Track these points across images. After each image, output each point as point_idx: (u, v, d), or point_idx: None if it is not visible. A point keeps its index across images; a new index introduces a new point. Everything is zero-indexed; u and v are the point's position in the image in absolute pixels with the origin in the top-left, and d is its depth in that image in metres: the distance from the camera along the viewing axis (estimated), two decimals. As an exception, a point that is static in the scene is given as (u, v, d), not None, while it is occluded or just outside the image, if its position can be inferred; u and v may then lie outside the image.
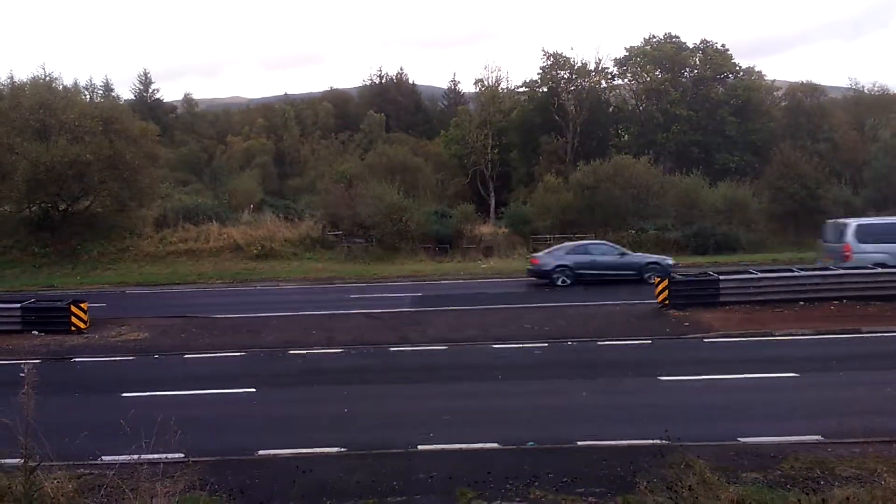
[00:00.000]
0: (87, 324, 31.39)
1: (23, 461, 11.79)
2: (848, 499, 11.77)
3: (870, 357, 24.34)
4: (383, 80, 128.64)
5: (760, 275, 33.78)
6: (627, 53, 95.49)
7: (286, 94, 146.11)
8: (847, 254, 36.56)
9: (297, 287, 45.13)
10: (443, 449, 16.44)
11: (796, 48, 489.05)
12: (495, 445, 16.59)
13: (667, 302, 32.20)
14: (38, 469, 12.17)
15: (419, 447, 16.63)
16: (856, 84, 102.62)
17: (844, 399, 19.50)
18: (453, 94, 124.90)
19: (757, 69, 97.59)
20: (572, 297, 36.36)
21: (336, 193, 63.55)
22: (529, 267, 43.84)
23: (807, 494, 12.44)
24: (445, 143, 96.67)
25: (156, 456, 12.77)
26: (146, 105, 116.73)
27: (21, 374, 11.92)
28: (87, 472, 14.37)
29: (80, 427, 15.02)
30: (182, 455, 14.30)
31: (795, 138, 79.52)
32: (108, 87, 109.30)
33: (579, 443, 16.47)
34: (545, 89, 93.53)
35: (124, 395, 21.56)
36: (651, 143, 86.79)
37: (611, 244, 45.03)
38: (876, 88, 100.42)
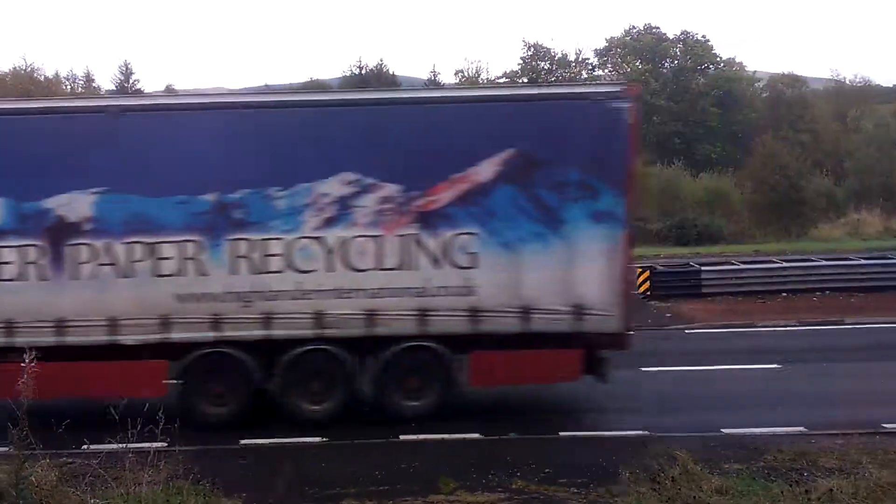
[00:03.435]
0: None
1: (10, 450, 11.71)
2: (831, 490, 11.80)
3: (853, 348, 24.43)
4: (363, 71, 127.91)
5: (743, 266, 33.89)
6: (608, 44, 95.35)
7: (266, 84, 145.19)
8: None
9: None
10: (424, 439, 16.46)
11: (777, 39, 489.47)
12: (477, 436, 16.61)
13: (648, 293, 32.21)
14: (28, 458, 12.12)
15: (401, 437, 16.65)
16: (837, 75, 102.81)
17: (828, 390, 19.56)
18: (434, 85, 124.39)
19: (738, 60, 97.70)
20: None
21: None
22: None
23: (790, 486, 12.48)
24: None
25: (140, 445, 12.71)
26: (127, 95, 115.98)
27: (22, 364, 11.87)
28: (71, 460, 14.29)
29: (64, 415, 14.96)
30: (166, 444, 14.25)
31: (777, 129, 79.44)
32: (89, 78, 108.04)
33: (561, 433, 16.52)
34: (525, 80, 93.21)
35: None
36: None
37: None
38: (858, 80, 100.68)
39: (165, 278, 16.92)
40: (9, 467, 11.63)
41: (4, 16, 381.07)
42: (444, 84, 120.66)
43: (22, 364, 11.49)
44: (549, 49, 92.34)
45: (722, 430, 16.38)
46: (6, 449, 11.92)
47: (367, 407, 17.86)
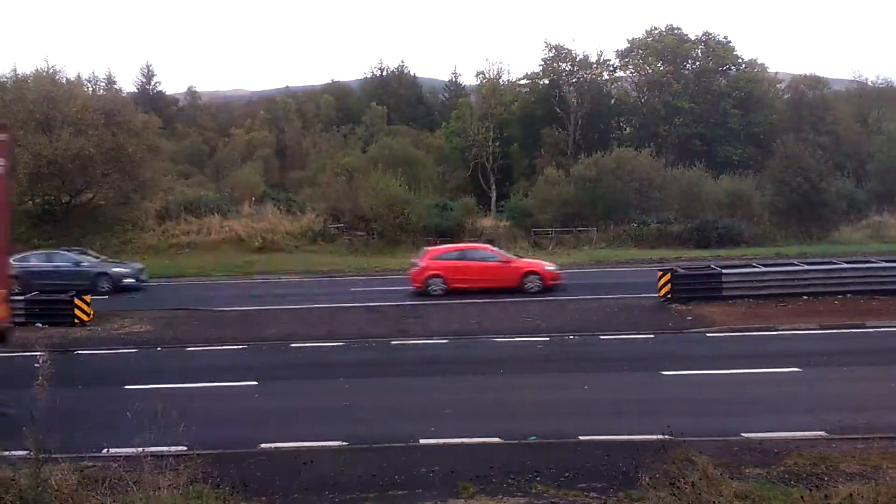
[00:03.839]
0: (91, 316, 31.39)
1: (31, 453, 11.78)
2: (851, 495, 11.74)
3: (874, 352, 24.30)
4: (384, 73, 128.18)
5: (764, 269, 33.73)
6: (629, 45, 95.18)
7: (287, 86, 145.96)
8: None
9: (298, 280, 45.13)
10: (444, 443, 16.48)
11: (799, 40, 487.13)
12: (497, 440, 16.59)
13: (669, 296, 32.12)
14: (46, 461, 12.19)
15: (421, 441, 16.66)
16: (859, 76, 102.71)
17: (848, 394, 19.50)
18: (454, 87, 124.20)
19: (759, 61, 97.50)
20: (574, 291, 36.21)
21: (337, 186, 63.52)
22: None
23: (810, 490, 12.42)
24: (447, 136, 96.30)
25: (159, 448, 12.77)
26: (148, 98, 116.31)
27: (36, 365, 11.96)
28: (91, 464, 14.36)
29: (83, 419, 15.06)
30: (185, 448, 14.33)
31: (798, 131, 79.22)
32: (110, 80, 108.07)
33: (581, 437, 16.45)
34: (547, 82, 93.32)
35: (127, 387, 21.59)
36: (653, 136, 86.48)
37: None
38: (880, 81, 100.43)
39: None
40: (28, 470, 11.71)
41: (27, 18, 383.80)
42: (464, 86, 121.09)
43: None
44: (570, 50, 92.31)
45: (742, 434, 16.33)
46: (25, 452, 11.99)
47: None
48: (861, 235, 58.21)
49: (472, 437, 16.70)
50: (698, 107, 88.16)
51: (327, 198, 63.04)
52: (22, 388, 12.09)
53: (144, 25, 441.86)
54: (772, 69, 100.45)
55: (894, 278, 32.22)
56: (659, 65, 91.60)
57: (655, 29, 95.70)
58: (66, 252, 43.91)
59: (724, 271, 33.33)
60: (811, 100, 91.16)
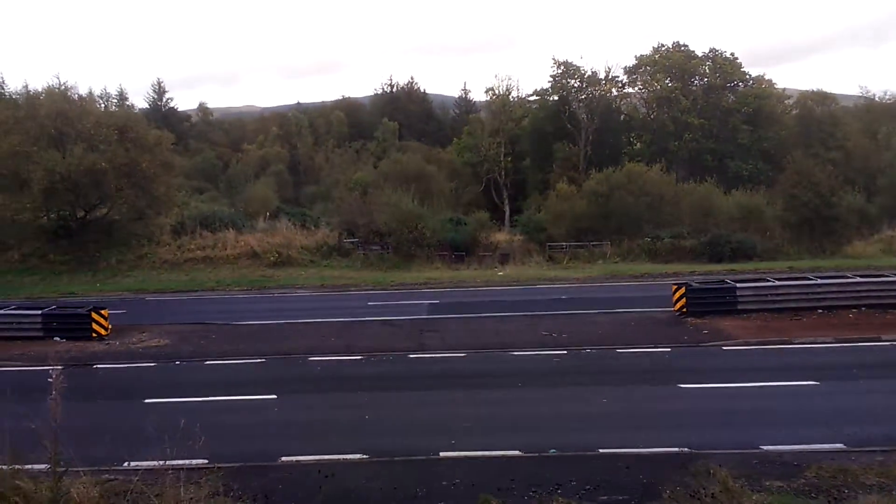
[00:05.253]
0: (108, 330, 31.53)
1: (50, 467, 11.87)
2: (872, 507, 11.79)
3: (890, 365, 24.32)
4: (395, 89, 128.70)
5: (778, 283, 33.68)
6: (637, 62, 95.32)
7: (299, 102, 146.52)
8: None
9: (314, 294, 45.14)
10: (465, 456, 16.55)
11: (805, 57, 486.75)
12: (517, 452, 16.66)
13: (684, 310, 32.13)
14: (65, 474, 12.27)
15: (441, 454, 16.74)
16: (867, 92, 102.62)
17: (865, 407, 19.51)
18: (464, 103, 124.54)
19: (767, 77, 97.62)
20: (588, 305, 36.23)
21: (351, 201, 63.56)
22: None
23: (830, 503, 12.47)
24: (458, 151, 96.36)
25: (180, 462, 12.86)
26: (160, 114, 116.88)
27: (49, 380, 12.03)
28: (112, 477, 14.45)
29: (103, 432, 15.14)
30: (206, 461, 14.41)
31: (807, 146, 79.32)
32: (122, 97, 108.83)
33: (601, 450, 16.52)
34: (556, 98, 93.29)
35: (146, 401, 21.69)
36: (664, 151, 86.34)
37: None
38: (887, 97, 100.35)
39: None
40: (49, 484, 11.81)
41: (39, 35, 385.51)
42: (474, 102, 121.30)
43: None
44: (578, 67, 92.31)
45: (761, 446, 16.38)
46: (46, 466, 12.09)
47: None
48: (874, 249, 58.00)
49: (492, 450, 16.78)
50: (707, 122, 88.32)
51: (341, 212, 63.07)
52: (41, 402, 12.18)
53: (156, 42, 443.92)
54: (779, 85, 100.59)
55: (910, 292, 32.21)
56: (667, 81, 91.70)
57: (663, 46, 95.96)
58: None
59: (738, 285, 33.28)
60: (819, 115, 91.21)
